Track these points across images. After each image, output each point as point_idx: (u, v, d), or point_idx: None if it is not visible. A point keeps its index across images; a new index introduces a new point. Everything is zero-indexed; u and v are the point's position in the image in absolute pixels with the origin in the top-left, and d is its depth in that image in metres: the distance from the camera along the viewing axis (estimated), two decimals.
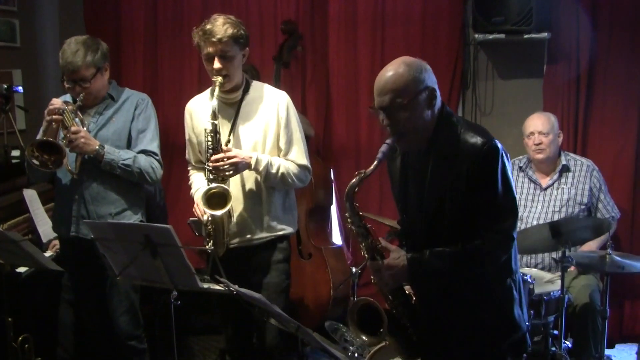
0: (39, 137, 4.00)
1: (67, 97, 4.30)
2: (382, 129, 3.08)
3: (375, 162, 3.00)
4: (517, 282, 3.10)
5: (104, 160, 4.10)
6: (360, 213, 3.14)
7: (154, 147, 4.32)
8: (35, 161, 3.93)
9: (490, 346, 3.08)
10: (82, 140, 4.03)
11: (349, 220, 3.17)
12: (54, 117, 3.98)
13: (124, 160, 4.15)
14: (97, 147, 4.08)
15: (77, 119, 4.11)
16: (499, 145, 2.92)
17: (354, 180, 3.07)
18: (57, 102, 4.05)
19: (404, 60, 3.02)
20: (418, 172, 3.10)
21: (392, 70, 3.01)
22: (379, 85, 3.04)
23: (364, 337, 3.17)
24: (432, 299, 3.15)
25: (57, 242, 4.80)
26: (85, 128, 4.12)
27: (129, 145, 4.29)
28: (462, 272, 3.00)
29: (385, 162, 3.21)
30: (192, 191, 4.19)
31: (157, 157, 4.32)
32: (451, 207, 2.95)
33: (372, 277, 3.23)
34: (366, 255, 3.16)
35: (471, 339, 3.08)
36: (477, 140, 2.91)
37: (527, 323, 3.21)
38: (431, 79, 3.01)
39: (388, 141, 3.01)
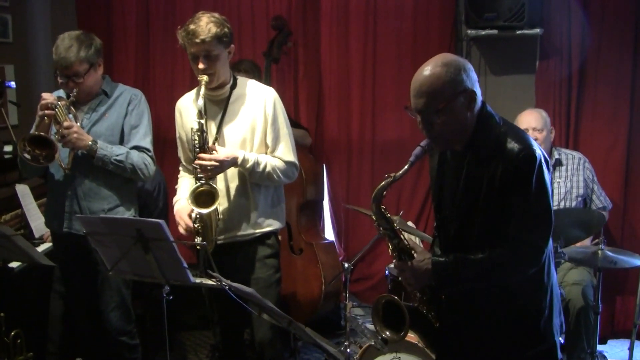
0: (31, 132, 3.99)
1: (61, 93, 4.30)
2: (420, 130, 2.96)
3: (407, 165, 2.92)
4: (548, 296, 3.00)
5: (97, 155, 4.09)
6: (388, 215, 3.06)
7: (147, 143, 4.31)
8: (26, 155, 3.92)
9: (512, 354, 3.02)
10: (75, 135, 4.02)
11: (375, 223, 3.10)
12: (46, 112, 3.98)
13: (116, 155, 4.14)
14: (89, 142, 4.07)
15: (70, 115, 4.11)
16: (538, 154, 2.81)
17: (382, 183, 2.96)
18: (49, 97, 4.05)
19: (442, 59, 2.86)
20: (454, 170, 3.01)
21: (428, 71, 2.84)
22: (415, 86, 2.87)
23: (387, 333, 3.15)
24: (454, 303, 3.09)
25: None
26: (78, 123, 4.12)
27: (122, 141, 4.28)
28: (486, 280, 2.92)
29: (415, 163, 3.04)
30: (174, 200, 4.19)
31: (150, 153, 4.31)
32: (483, 211, 2.86)
33: (399, 276, 3.17)
34: (393, 255, 3.11)
35: (492, 345, 3.03)
36: (514, 146, 2.79)
37: (559, 338, 3.12)
38: (471, 80, 2.86)
39: (422, 144, 2.93)
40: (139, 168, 4.22)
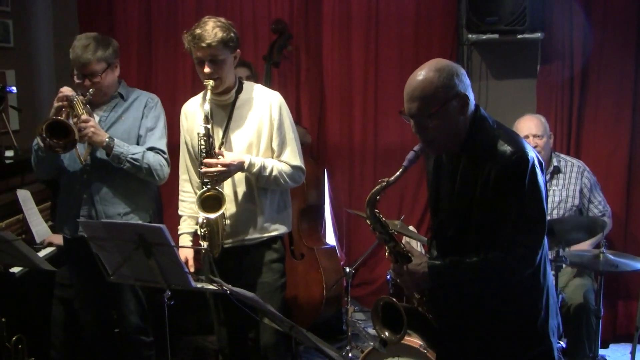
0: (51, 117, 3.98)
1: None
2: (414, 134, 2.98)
3: (400, 170, 2.92)
4: (545, 297, 3.00)
5: (113, 153, 4.05)
6: (383, 219, 3.07)
7: (162, 145, 4.29)
8: (40, 142, 3.93)
9: (510, 356, 3.03)
10: (92, 129, 3.98)
11: (370, 227, 3.11)
12: (63, 102, 3.98)
13: (132, 154, 4.10)
14: (106, 138, 4.03)
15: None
16: (531, 157, 2.82)
17: (376, 187, 2.98)
18: (67, 91, 4.04)
19: (435, 64, 2.89)
20: (450, 173, 3.02)
21: (421, 76, 2.87)
22: (408, 91, 2.90)
23: (387, 334, 3.16)
24: (452, 305, 3.09)
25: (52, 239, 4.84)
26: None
27: (137, 145, 4.25)
28: (482, 283, 2.93)
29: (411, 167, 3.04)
30: (179, 231, 4.21)
31: (165, 156, 4.28)
32: (478, 214, 2.88)
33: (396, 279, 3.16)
34: (390, 259, 3.11)
35: (489, 347, 3.04)
36: (507, 149, 2.81)
37: (557, 340, 3.14)
38: (463, 84, 2.88)
39: (416, 148, 2.93)
40: (154, 169, 4.19)
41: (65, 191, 4.37)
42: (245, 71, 5.39)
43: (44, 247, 4.86)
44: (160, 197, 4.76)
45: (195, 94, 4.21)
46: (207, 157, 3.85)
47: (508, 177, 2.80)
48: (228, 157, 3.87)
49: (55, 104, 4.00)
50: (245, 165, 3.88)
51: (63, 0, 6.59)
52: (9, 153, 5.27)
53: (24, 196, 4.99)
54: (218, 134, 3.99)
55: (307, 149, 5.85)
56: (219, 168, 3.81)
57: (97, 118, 4.21)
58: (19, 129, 5.83)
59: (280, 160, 4.01)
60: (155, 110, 4.34)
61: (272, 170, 3.94)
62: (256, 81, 4.87)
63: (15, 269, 4.41)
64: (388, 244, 3.09)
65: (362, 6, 6.08)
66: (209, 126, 3.86)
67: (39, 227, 4.97)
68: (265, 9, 6.24)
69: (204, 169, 3.83)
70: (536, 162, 2.85)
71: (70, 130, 3.91)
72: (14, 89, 5.73)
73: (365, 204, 3.04)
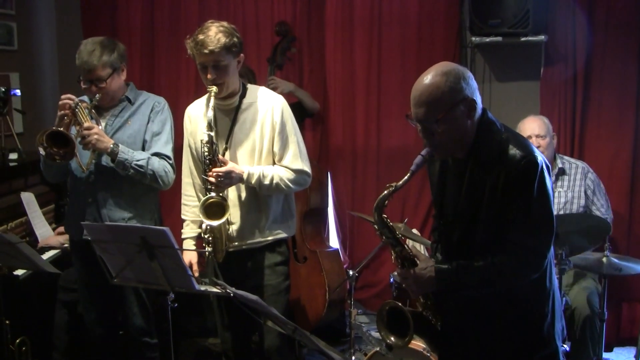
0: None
1: (85, 98, 4.25)
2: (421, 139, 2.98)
3: (408, 175, 2.92)
4: (551, 300, 3.00)
5: (118, 159, 4.04)
6: (391, 224, 3.07)
7: (168, 150, 4.28)
8: (42, 151, 3.93)
9: (516, 359, 3.04)
10: (95, 136, 3.98)
11: (377, 231, 3.11)
12: (65, 111, 3.98)
13: (137, 160, 4.09)
14: (110, 145, 4.02)
15: (92, 119, 4.09)
16: (539, 160, 2.81)
17: (384, 192, 2.98)
18: (68, 99, 4.03)
19: (442, 68, 2.87)
20: (456, 178, 3.01)
21: (428, 80, 2.85)
22: (415, 95, 2.88)
23: (392, 339, 3.16)
24: (458, 309, 3.09)
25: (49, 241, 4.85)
26: (100, 127, 4.10)
27: (143, 149, 4.25)
28: (489, 286, 2.93)
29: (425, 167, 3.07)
30: (182, 235, 4.22)
31: (171, 161, 4.27)
32: (486, 218, 2.87)
33: (402, 283, 3.17)
34: (396, 262, 3.12)
35: (496, 350, 3.03)
36: (516, 152, 2.80)
37: (561, 344, 3.14)
38: (471, 88, 2.87)
39: (423, 153, 2.92)
40: (159, 175, 4.18)
41: (73, 195, 4.39)
42: None
43: (47, 250, 4.87)
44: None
45: (198, 96, 4.20)
46: (210, 164, 3.85)
47: (517, 181, 2.80)
48: (229, 166, 3.87)
49: (58, 113, 4.01)
50: (244, 177, 3.88)
51: (66, 3, 6.61)
52: (13, 156, 5.29)
53: (28, 199, 5.00)
54: (222, 139, 3.99)
55: (308, 151, 5.85)
56: (220, 174, 3.82)
57: (103, 122, 4.21)
58: (23, 131, 5.84)
59: (281, 165, 4.01)
60: (162, 114, 4.32)
61: (272, 178, 3.93)
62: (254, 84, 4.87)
63: (19, 272, 4.43)
64: (395, 249, 3.09)
65: (365, 9, 6.08)
66: (212, 133, 3.85)
67: (43, 230, 4.98)
68: (268, 12, 6.24)
69: (210, 179, 3.83)
70: (544, 166, 2.85)
71: (70, 141, 3.93)
72: (18, 91, 5.75)
73: (373, 209, 3.05)
